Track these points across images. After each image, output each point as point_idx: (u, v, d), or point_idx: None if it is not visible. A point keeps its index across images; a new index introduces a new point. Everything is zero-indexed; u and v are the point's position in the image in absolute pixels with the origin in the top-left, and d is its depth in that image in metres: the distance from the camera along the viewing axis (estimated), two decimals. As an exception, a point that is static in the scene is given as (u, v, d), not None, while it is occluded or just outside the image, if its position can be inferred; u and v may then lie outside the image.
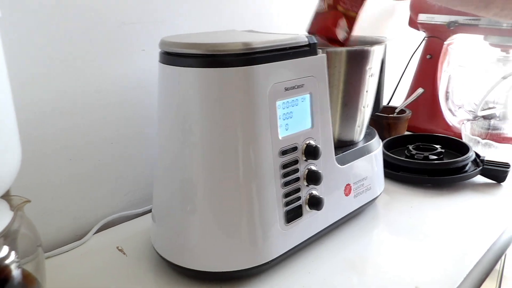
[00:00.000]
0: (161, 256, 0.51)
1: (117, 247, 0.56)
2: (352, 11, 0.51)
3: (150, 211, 0.63)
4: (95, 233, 0.60)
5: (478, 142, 0.78)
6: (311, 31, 0.56)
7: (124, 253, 0.55)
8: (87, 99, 0.58)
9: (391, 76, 0.85)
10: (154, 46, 0.49)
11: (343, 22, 0.51)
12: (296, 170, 0.49)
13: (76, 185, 0.60)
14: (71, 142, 0.58)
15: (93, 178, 0.61)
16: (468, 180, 0.73)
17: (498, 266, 0.61)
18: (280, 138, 0.47)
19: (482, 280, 0.51)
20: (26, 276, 0.39)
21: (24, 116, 0.53)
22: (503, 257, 0.66)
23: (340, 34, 0.52)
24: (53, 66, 0.54)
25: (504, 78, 0.84)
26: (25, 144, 0.54)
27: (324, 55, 0.51)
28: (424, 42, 1.01)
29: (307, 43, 0.48)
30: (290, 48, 0.46)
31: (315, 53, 0.49)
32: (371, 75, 0.59)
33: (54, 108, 0.56)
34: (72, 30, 0.55)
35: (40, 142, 0.55)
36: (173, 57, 0.45)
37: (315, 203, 0.51)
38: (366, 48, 0.56)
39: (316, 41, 0.49)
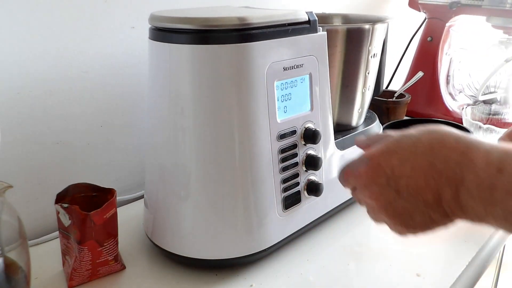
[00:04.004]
0: (154, 243, 0.49)
1: (108, 234, 0.54)
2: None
3: (142, 196, 0.61)
4: (85, 219, 0.58)
5: (480, 127, 0.77)
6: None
7: (115, 240, 0.53)
8: (73, 80, 0.56)
9: (390, 59, 0.82)
10: (144, 23, 0.47)
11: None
12: (295, 155, 0.47)
13: (64, 170, 0.57)
14: (58, 125, 0.55)
15: (82, 162, 0.59)
16: (469, 166, 0.71)
17: (497, 253, 0.60)
18: (278, 121, 0.45)
19: (484, 269, 0.50)
20: (9, 264, 0.37)
21: (6, 96, 0.50)
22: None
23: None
24: (34, 44, 0.51)
25: (506, 61, 0.82)
26: (9, 126, 0.51)
27: (325, 33, 0.48)
28: (424, 24, 0.98)
29: (307, 19, 0.45)
30: (289, 24, 0.44)
31: (315, 31, 0.47)
32: (373, 55, 0.57)
33: (39, 89, 0.53)
34: (55, 6, 0.52)
35: (24, 125, 0.53)
36: (164, 33, 0.42)
37: (314, 189, 0.49)
38: (368, 26, 0.54)
39: (316, 18, 0.46)
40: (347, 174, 0.37)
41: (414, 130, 0.34)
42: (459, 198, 0.30)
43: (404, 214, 0.33)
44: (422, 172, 0.31)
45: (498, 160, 0.28)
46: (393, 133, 0.35)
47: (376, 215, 0.37)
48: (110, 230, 0.45)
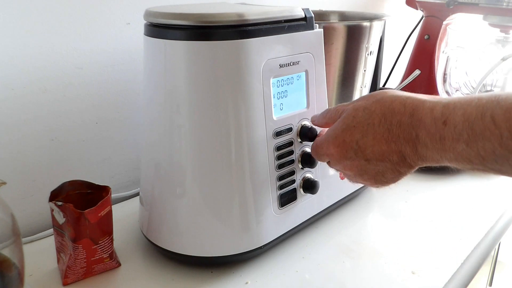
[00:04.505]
0: (149, 241, 0.49)
1: (103, 231, 0.54)
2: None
3: (138, 194, 0.61)
4: (80, 216, 0.57)
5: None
6: None
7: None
8: (68, 76, 0.55)
9: (387, 57, 0.82)
10: (139, 19, 0.46)
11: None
12: (291, 152, 0.47)
13: (59, 167, 0.57)
14: (53, 122, 0.55)
15: (77, 160, 0.59)
16: (465, 164, 0.72)
17: (492, 251, 0.60)
18: (274, 118, 0.45)
19: (479, 266, 0.50)
20: (2, 261, 0.37)
21: (0, 93, 0.50)
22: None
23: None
24: (29, 40, 0.51)
25: (503, 59, 0.82)
26: (3, 123, 0.51)
27: (321, 30, 0.48)
28: (421, 22, 0.98)
29: (303, 16, 0.45)
30: (285, 21, 0.43)
31: (311, 28, 0.46)
32: (370, 53, 0.56)
33: (33, 85, 0.52)
34: (49, 2, 0.51)
35: (19, 121, 0.52)
36: (159, 29, 0.42)
37: (310, 186, 0.49)
38: (365, 23, 0.53)
39: (313, 15, 0.46)
40: (319, 154, 0.43)
41: (363, 101, 0.39)
42: (417, 151, 0.35)
43: (378, 175, 0.39)
44: (383, 139, 0.36)
45: (441, 114, 0.33)
46: (345, 108, 0.40)
47: (353, 180, 0.42)
48: (105, 228, 0.45)
